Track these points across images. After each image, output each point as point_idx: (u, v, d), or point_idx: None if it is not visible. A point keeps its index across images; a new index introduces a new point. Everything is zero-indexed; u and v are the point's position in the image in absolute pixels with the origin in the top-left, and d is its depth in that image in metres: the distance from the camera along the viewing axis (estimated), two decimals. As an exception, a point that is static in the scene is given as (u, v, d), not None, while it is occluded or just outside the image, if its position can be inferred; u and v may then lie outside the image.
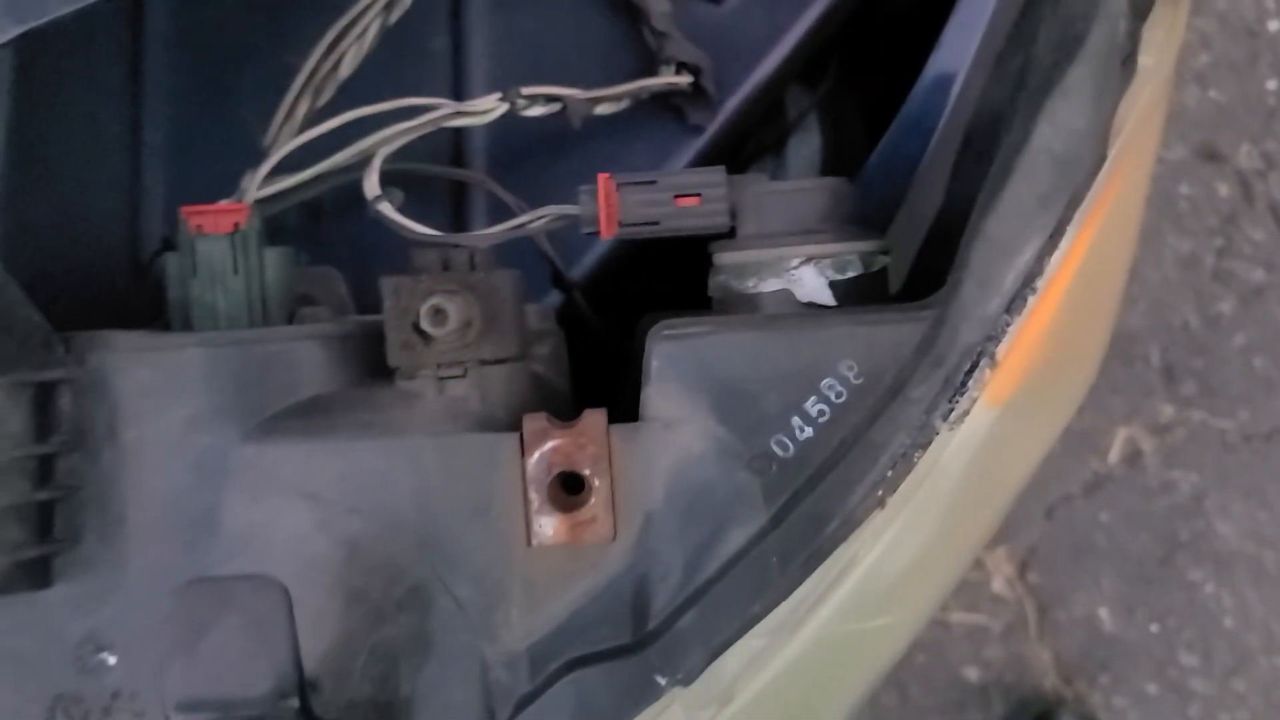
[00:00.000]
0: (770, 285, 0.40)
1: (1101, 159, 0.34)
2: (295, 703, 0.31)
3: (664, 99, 0.53)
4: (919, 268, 0.45)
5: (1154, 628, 1.29)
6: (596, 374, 0.43)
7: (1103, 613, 1.30)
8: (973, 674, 1.30)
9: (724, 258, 0.40)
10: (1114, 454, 1.29)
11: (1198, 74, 1.29)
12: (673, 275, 0.47)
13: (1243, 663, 1.28)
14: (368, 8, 0.47)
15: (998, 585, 1.30)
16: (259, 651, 0.30)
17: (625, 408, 0.36)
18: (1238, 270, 1.28)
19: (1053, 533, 1.30)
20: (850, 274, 0.39)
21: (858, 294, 0.39)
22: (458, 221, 0.52)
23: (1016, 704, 1.30)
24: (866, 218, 0.41)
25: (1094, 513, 1.29)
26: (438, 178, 0.51)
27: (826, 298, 0.39)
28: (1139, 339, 1.29)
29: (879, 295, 0.40)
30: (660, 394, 0.35)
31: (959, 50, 0.49)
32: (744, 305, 0.40)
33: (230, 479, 0.35)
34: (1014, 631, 1.30)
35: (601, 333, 0.50)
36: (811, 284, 0.39)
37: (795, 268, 0.39)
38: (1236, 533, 1.28)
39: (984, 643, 1.30)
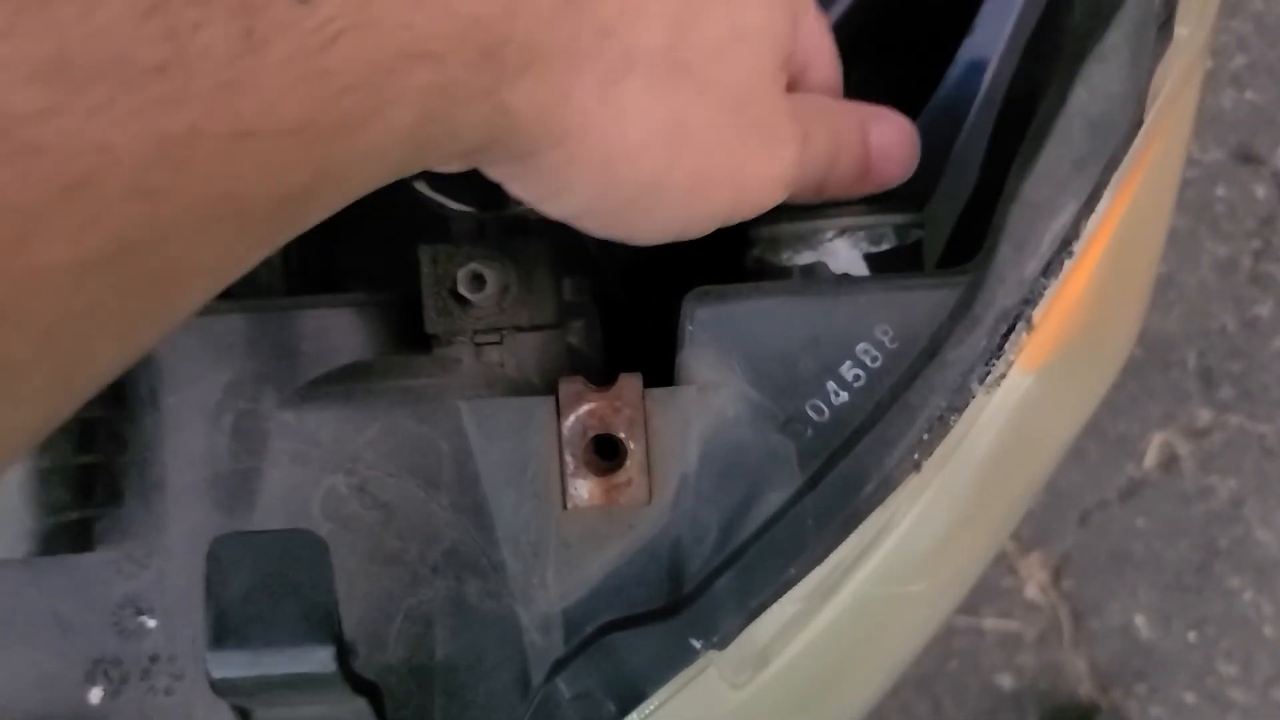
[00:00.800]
0: (805, 258, 0.40)
1: (1138, 123, 0.34)
2: (333, 659, 0.31)
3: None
4: (954, 243, 0.45)
5: (1192, 636, 1.27)
6: (627, 357, 0.44)
7: (1139, 620, 1.28)
8: (1006, 682, 1.29)
9: (758, 231, 0.40)
10: (1150, 459, 1.28)
11: (1234, 76, 1.28)
12: (706, 259, 0.48)
13: (1283, 673, 1.26)
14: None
15: (1031, 592, 1.29)
16: (295, 605, 0.30)
17: (660, 375, 0.36)
18: (1276, 273, 1.26)
19: (1087, 539, 1.29)
20: (885, 246, 0.39)
21: (893, 267, 0.39)
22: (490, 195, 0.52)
23: (1051, 712, 1.28)
24: (901, 196, 0.41)
25: (1130, 519, 1.28)
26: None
27: (861, 270, 0.39)
28: (1175, 343, 1.27)
29: (914, 269, 0.40)
30: (695, 358, 0.35)
31: (993, 34, 0.49)
32: (779, 278, 0.40)
33: (269, 444, 0.36)
34: (1048, 639, 1.29)
35: (631, 315, 0.50)
36: (846, 256, 0.39)
37: (829, 240, 0.39)
38: (1277, 539, 1.26)
39: (1017, 650, 1.29)
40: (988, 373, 0.33)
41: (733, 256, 0.42)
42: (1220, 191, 1.27)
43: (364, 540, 0.35)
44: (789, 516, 0.34)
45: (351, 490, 0.36)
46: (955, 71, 0.50)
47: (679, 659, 0.34)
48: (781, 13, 0.32)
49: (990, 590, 1.30)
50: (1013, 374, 0.34)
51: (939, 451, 0.33)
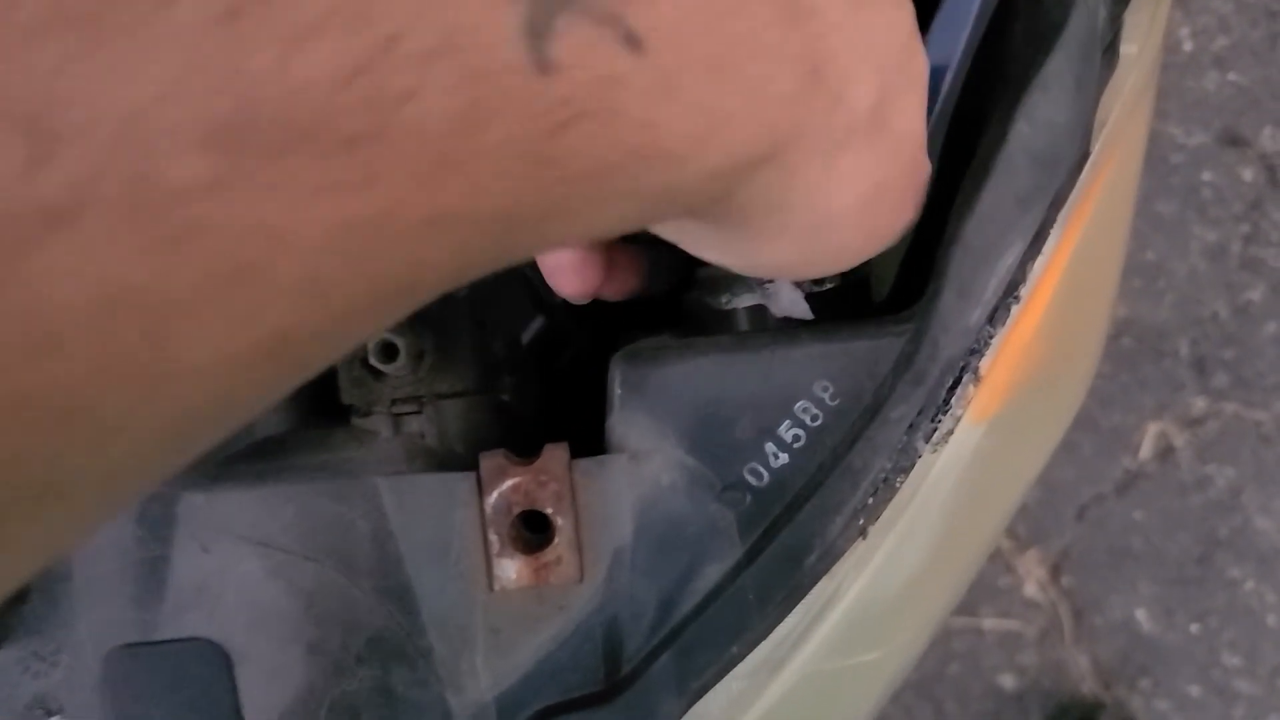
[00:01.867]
0: (744, 300, 0.38)
1: (1085, 155, 0.32)
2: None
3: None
4: (905, 276, 0.43)
5: (1194, 628, 1.25)
6: (582, 400, 0.41)
7: (1140, 614, 1.26)
8: (1008, 682, 1.27)
9: (697, 272, 0.38)
10: (1145, 451, 1.26)
11: (1216, 57, 1.26)
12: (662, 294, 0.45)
13: (1289, 662, 1.24)
14: None
15: (1030, 590, 1.27)
16: None
17: (595, 436, 0.34)
18: (1266, 257, 1.24)
19: (1085, 534, 1.27)
20: (829, 285, 0.37)
21: (838, 306, 0.37)
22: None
23: (1055, 711, 1.27)
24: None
25: (1127, 512, 1.26)
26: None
27: (804, 311, 0.37)
28: (1167, 333, 1.25)
29: (861, 306, 0.38)
30: (625, 423, 0.32)
31: (948, 42, 0.47)
32: (719, 322, 0.38)
33: (178, 529, 0.34)
34: (1049, 637, 1.27)
35: (589, 353, 0.48)
36: (788, 297, 0.37)
37: (769, 281, 0.37)
38: (1276, 527, 1.24)
39: (1018, 649, 1.27)
40: (934, 429, 0.31)
41: (674, 298, 0.40)
42: (1207, 176, 1.24)
43: (282, 629, 0.33)
44: (730, 591, 0.32)
45: (267, 576, 0.34)
46: None
47: (619, 747, 0.32)
48: (924, 50, 0.30)
49: (988, 589, 1.28)
50: (961, 428, 0.32)
51: (885, 515, 0.31)
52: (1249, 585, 1.25)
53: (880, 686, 0.35)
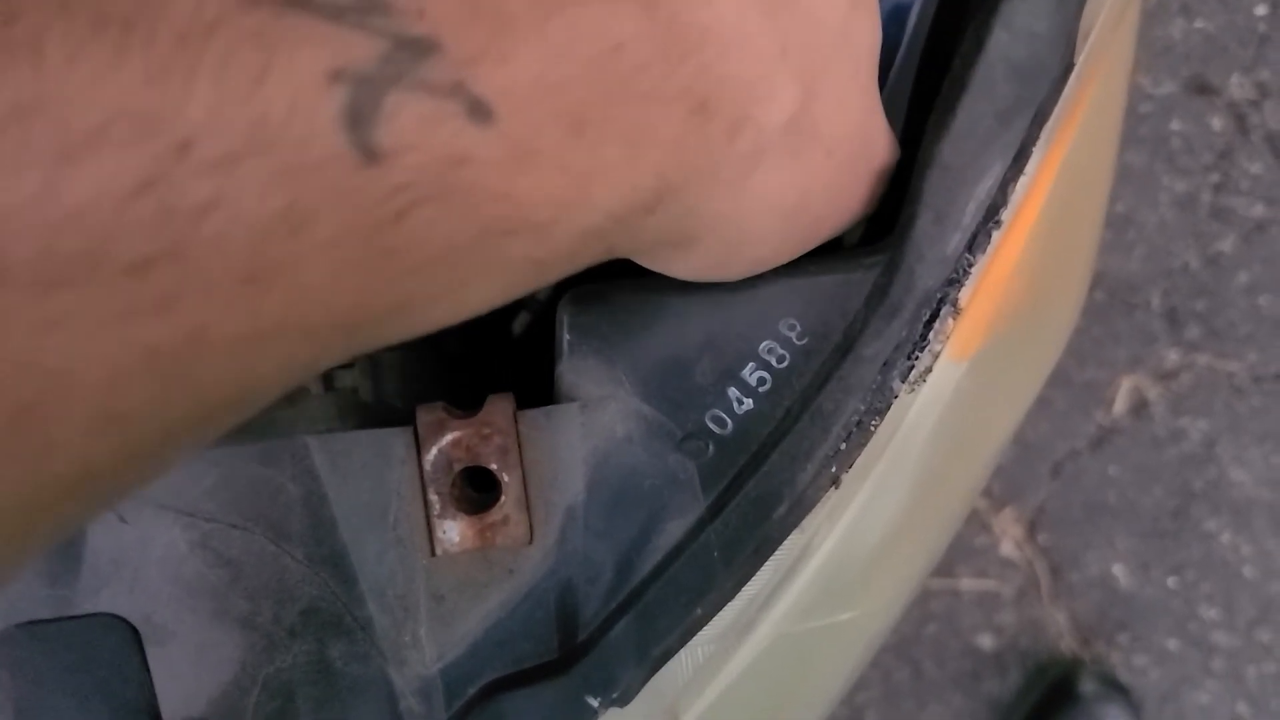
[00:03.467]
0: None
1: (1069, 67, 0.29)
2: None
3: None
4: (877, 215, 0.40)
5: (1171, 582, 1.25)
6: (530, 347, 0.38)
7: (1117, 570, 1.26)
8: (986, 642, 1.26)
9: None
10: (1119, 405, 1.25)
11: (1183, 4, 1.23)
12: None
13: (1266, 613, 1.23)
14: None
15: (1007, 548, 1.26)
16: (104, 703, 0.25)
17: (549, 389, 0.31)
18: (1237, 206, 1.22)
19: (1061, 491, 1.25)
20: (795, 222, 0.34)
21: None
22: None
23: (1034, 670, 1.26)
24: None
25: (1102, 467, 1.25)
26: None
27: (769, 250, 0.34)
28: (1138, 285, 1.24)
29: (830, 246, 0.35)
30: (575, 371, 0.30)
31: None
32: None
33: (92, 499, 0.31)
34: (1026, 595, 1.26)
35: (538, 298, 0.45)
36: (751, 235, 0.34)
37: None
38: (1251, 479, 1.23)
39: (996, 609, 1.26)
40: (911, 367, 0.29)
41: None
42: (1175, 126, 1.23)
43: (210, 603, 0.31)
44: (692, 548, 0.29)
45: (192, 547, 0.31)
46: None
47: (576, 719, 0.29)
48: (876, 24, 0.27)
49: (965, 549, 1.27)
50: (940, 365, 0.29)
51: (860, 461, 0.29)
52: (1225, 537, 1.24)
53: (858, 648, 0.32)
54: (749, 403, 0.29)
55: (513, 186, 0.17)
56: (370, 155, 0.15)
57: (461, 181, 0.16)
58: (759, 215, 0.24)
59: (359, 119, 0.15)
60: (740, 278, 0.29)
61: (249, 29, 0.14)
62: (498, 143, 0.17)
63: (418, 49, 0.16)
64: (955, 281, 0.29)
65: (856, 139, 0.26)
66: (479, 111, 0.16)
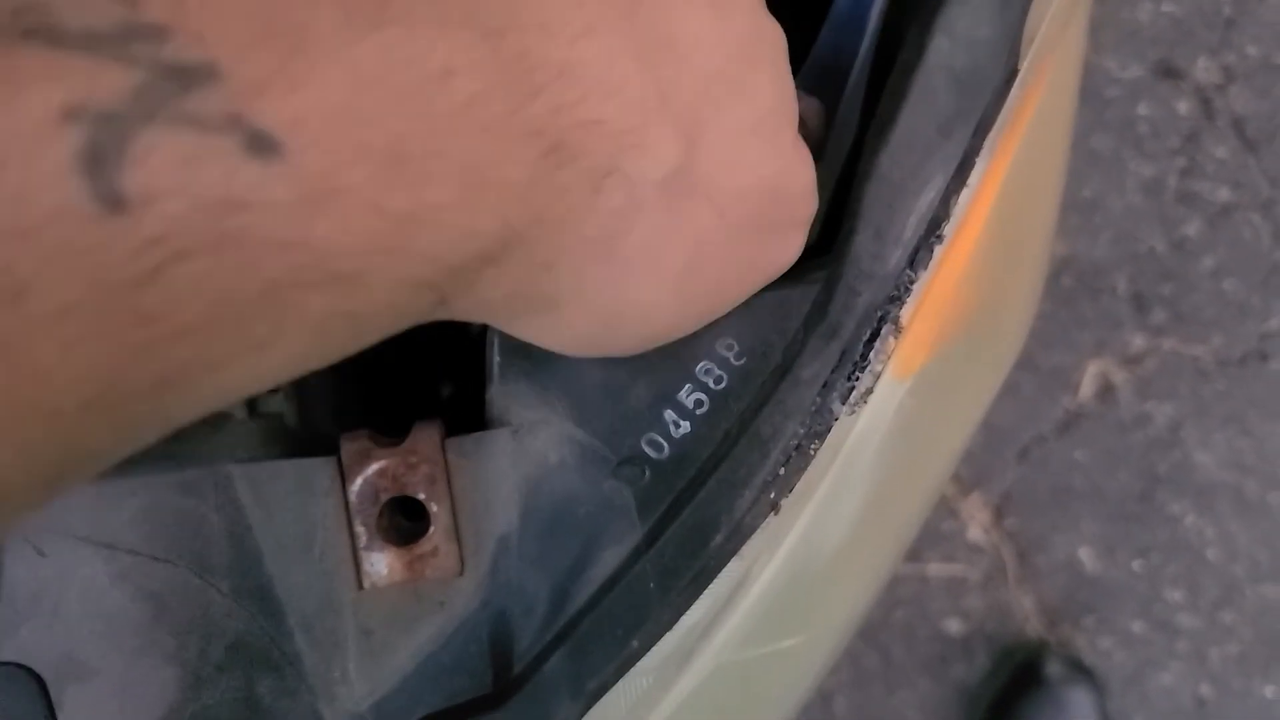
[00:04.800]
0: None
1: (1012, 73, 0.28)
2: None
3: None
4: (830, 222, 0.39)
5: (1136, 565, 1.25)
6: (458, 371, 0.37)
7: (1083, 554, 1.26)
8: (954, 626, 1.27)
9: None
10: (1085, 390, 1.25)
11: (1150, -13, 1.23)
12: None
13: (1229, 594, 1.24)
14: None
15: (974, 533, 1.26)
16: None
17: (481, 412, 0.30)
18: (1202, 190, 1.22)
19: (1027, 476, 1.26)
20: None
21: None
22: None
23: (1000, 653, 1.26)
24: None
25: (1068, 452, 1.25)
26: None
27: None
28: (1104, 270, 1.24)
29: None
30: (505, 394, 0.29)
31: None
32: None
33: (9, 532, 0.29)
34: (993, 580, 1.26)
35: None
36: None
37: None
38: (1216, 462, 1.24)
39: (963, 593, 1.26)
40: (852, 388, 0.28)
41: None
42: (1142, 110, 1.22)
43: (133, 639, 0.29)
44: (628, 578, 0.28)
45: (113, 580, 0.30)
46: (833, 25, 0.44)
47: (511, 756, 0.28)
48: (786, 72, 0.24)
49: (932, 535, 1.27)
50: (883, 385, 0.28)
51: (799, 486, 0.28)
52: (1189, 520, 1.25)
53: (803, 674, 0.32)
54: (686, 426, 0.28)
55: (308, 232, 0.15)
56: (112, 205, 0.13)
57: (237, 229, 0.14)
58: (640, 282, 0.22)
59: (98, 163, 0.13)
60: (635, 353, 0.26)
61: None
62: (286, 182, 0.15)
63: (187, 78, 0.14)
64: (896, 299, 0.28)
65: (757, 195, 0.23)
66: (260, 146, 0.14)
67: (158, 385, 0.15)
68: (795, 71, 0.43)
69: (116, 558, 0.29)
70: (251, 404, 0.31)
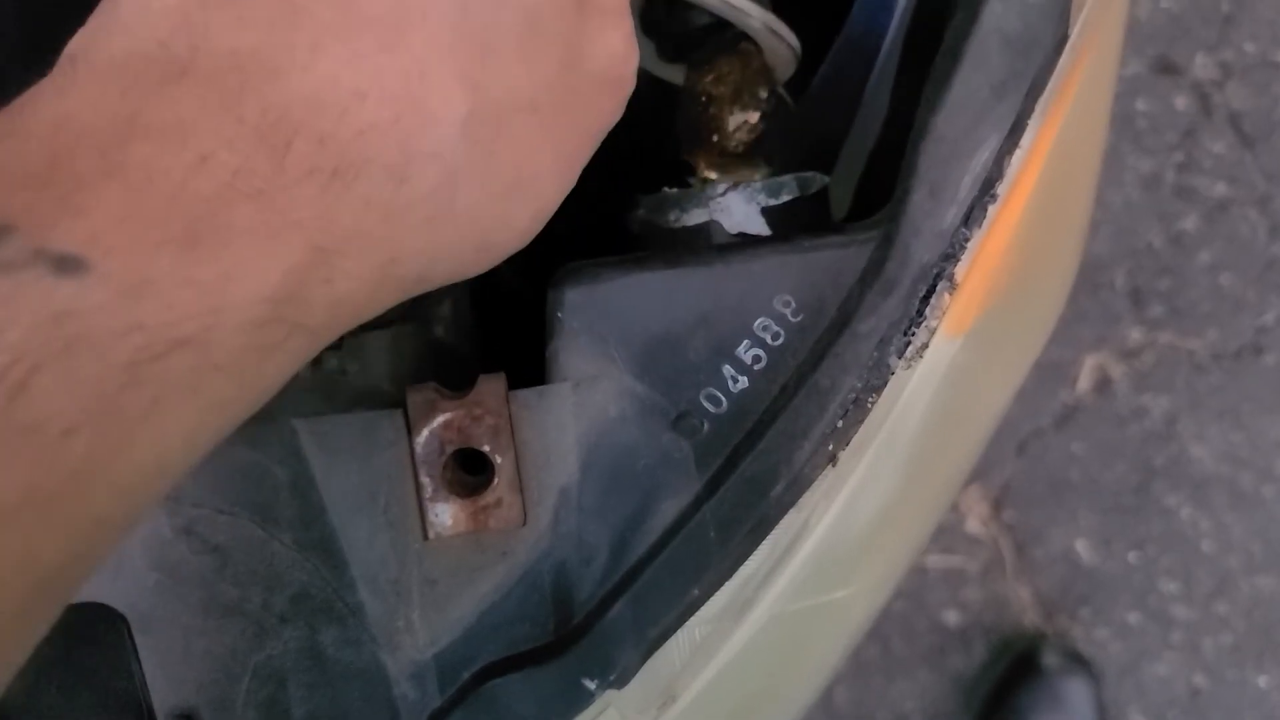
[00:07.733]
0: (695, 217, 0.34)
1: (1063, 38, 0.29)
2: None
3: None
4: (864, 190, 0.40)
5: (1132, 557, 1.27)
6: (521, 326, 0.38)
7: (1080, 546, 1.27)
8: (952, 617, 1.28)
9: (639, 196, 0.35)
10: (1083, 383, 1.26)
11: (1148, -15, 1.24)
12: (599, 216, 0.42)
13: (1223, 586, 1.25)
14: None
15: (972, 525, 1.27)
16: (91, 694, 0.25)
17: (538, 370, 0.31)
18: (1200, 186, 1.24)
19: (1025, 468, 1.27)
20: (785, 198, 0.34)
21: (795, 220, 0.34)
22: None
23: (998, 645, 1.27)
24: (811, 146, 0.36)
25: (1066, 445, 1.26)
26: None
27: (759, 226, 0.34)
28: (1103, 264, 1.25)
29: (820, 220, 0.35)
30: (567, 350, 0.29)
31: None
32: (668, 242, 0.35)
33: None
34: (991, 571, 1.27)
35: (516, 286, 0.44)
36: (741, 212, 0.34)
37: (721, 195, 0.34)
38: (1211, 455, 1.25)
39: (961, 585, 1.27)
40: (908, 343, 0.29)
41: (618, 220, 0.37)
42: (1141, 105, 1.24)
43: (197, 591, 0.30)
44: (688, 528, 0.29)
45: (177, 533, 0.30)
46: (863, 4, 0.44)
47: (572, 703, 0.29)
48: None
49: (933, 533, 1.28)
50: (936, 341, 0.29)
51: (856, 439, 0.29)
52: (1185, 512, 1.26)
53: (851, 627, 0.32)
54: (744, 380, 0.29)
55: (138, 316, 0.17)
56: None
57: (75, 333, 0.16)
58: (493, 209, 0.23)
59: None
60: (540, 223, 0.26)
61: None
62: (101, 285, 0.17)
63: None
64: (951, 256, 0.29)
65: (549, 72, 0.23)
66: (67, 266, 0.17)
67: (71, 482, 0.17)
68: (826, 52, 0.44)
69: (181, 510, 0.30)
70: (315, 360, 0.31)
